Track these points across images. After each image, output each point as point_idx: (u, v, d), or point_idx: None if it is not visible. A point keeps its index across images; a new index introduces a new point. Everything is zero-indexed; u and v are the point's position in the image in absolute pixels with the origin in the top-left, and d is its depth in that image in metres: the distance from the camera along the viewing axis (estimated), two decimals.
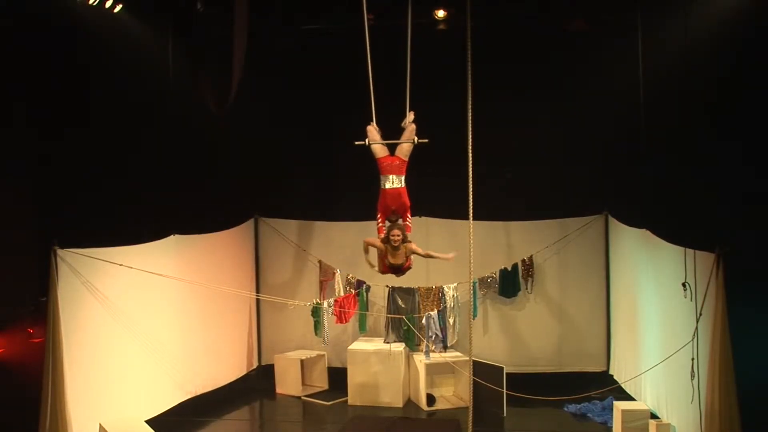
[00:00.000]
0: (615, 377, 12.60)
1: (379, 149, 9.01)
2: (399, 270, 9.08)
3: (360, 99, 9.08)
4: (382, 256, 9.03)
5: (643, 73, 10.86)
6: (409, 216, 9.13)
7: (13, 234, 9.58)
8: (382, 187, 8.99)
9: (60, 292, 9.17)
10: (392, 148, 9.08)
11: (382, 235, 8.96)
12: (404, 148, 8.97)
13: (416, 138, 8.83)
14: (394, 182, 8.93)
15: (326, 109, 13.06)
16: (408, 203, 9.04)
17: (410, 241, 8.98)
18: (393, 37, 9.57)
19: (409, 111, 9.13)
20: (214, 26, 11.20)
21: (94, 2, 10.15)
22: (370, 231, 9.16)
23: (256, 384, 13.79)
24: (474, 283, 12.53)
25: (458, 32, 9.47)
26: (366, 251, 9.18)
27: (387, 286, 13.13)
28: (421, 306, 13.04)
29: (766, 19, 8.44)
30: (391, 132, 9.05)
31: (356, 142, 8.86)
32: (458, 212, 10.13)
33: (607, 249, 13.19)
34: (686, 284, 9.20)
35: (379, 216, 9.17)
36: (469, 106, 8.68)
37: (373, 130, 9.02)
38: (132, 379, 10.64)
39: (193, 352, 12.04)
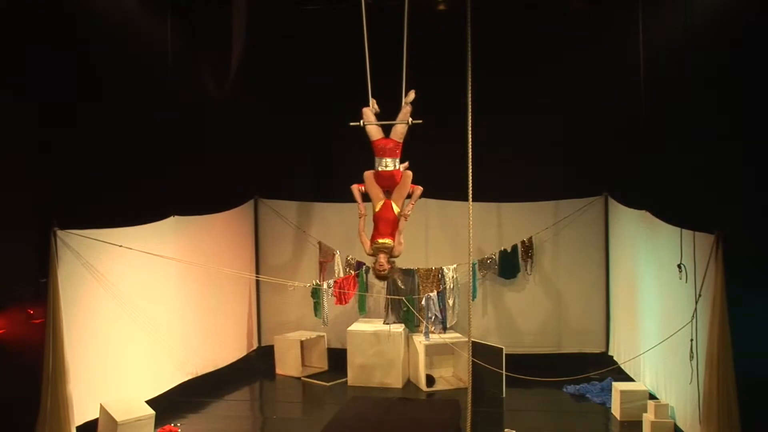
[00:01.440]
0: (614, 358, 12.64)
1: (375, 131, 8.95)
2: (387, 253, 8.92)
3: (359, 80, 9.04)
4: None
5: (643, 53, 10.82)
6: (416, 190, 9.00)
7: (14, 215, 9.57)
8: (376, 168, 8.96)
9: (60, 273, 9.19)
10: (387, 131, 9.05)
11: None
12: (398, 130, 8.90)
13: (410, 119, 8.80)
14: (388, 165, 8.88)
15: (325, 90, 13.03)
16: (398, 180, 8.93)
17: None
18: (393, 18, 9.51)
19: (410, 90, 9.06)
20: (214, 6, 11.15)
21: None
22: (369, 212, 9.13)
23: (256, 365, 13.84)
24: (473, 264, 12.55)
25: (458, 13, 9.44)
26: (361, 232, 9.11)
27: None
28: (420, 287, 13.05)
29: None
30: (390, 115, 9.01)
31: (351, 123, 8.84)
32: (457, 193, 10.14)
33: (606, 230, 13.20)
34: (681, 266, 9.23)
35: (370, 192, 9.04)
36: (469, 86, 8.65)
37: (368, 112, 8.97)
38: (132, 360, 10.67)
39: (193, 333, 12.08)
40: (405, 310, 12.78)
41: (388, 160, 8.88)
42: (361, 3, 8.74)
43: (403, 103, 8.91)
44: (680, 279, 9.34)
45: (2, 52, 9.15)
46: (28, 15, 9.35)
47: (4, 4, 9.07)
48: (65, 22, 9.74)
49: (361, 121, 8.87)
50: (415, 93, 8.91)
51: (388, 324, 12.89)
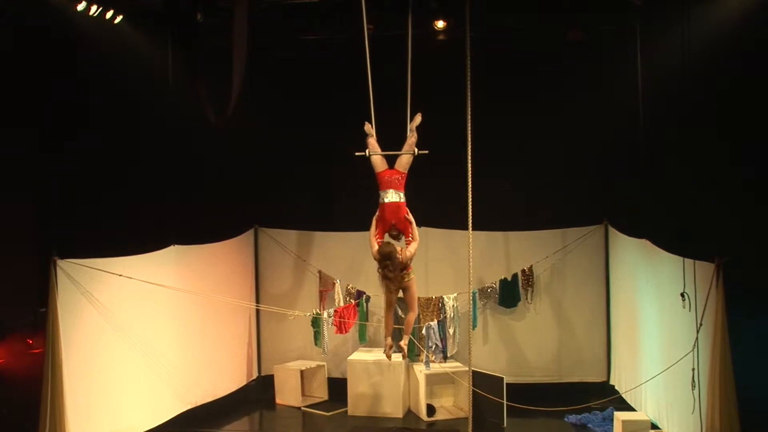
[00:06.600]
0: (615, 387, 12.57)
1: (379, 162, 8.95)
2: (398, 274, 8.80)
3: (361, 109, 9.08)
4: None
5: (642, 83, 10.88)
6: (415, 229, 8.92)
7: (13, 244, 9.59)
8: (381, 201, 8.93)
9: (59, 303, 9.18)
10: (391, 161, 9.04)
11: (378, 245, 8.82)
12: (403, 160, 8.90)
13: (416, 149, 8.80)
14: (392, 197, 8.83)
15: (326, 120, 13.10)
16: (406, 215, 8.90)
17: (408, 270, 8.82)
18: (393, 48, 9.59)
19: (416, 114, 9.07)
20: (214, 37, 11.22)
21: (94, 13, 10.19)
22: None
23: (256, 395, 13.76)
24: (474, 293, 12.53)
25: (458, 43, 9.51)
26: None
27: None
28: (421, 316, 13.01)
29: (766, 30, 8.44)
30: (392, 144, 9.03)
31: (357, 153, 8.84)
32: (458, 222, 10.14)
33: (607, 259, 13.17)
34: (684, 294, 9.20)
35: (376, 230, 8.98)
36: (469, 117, 8.69)
37: (373, 143, 8.99)
38: (131, 390, 10.62)
39: (193, 362, 12.02)
40: None
41: (393, 191, 8.84)
42: (359, 33, 8.81)
43: (408, 131, 8.91)
44: (683, 308, 9.30)
45: (3, 82, 9.20)
46: (30, 46, 9.41)
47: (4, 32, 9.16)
48: (66, 52, 9.81)
49: (367, 151, 8.87)
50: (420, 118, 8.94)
51: None
